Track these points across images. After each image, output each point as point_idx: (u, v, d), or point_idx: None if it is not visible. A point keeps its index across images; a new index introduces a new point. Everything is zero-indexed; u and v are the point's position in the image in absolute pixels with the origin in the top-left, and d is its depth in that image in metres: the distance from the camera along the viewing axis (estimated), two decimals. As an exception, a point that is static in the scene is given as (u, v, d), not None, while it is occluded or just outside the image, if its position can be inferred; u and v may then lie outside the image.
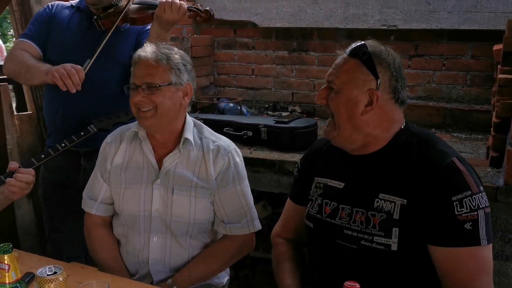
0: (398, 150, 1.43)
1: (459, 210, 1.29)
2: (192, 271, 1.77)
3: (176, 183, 1.75)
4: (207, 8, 2.15)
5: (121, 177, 1.80)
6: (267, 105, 3.90)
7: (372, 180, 1.43)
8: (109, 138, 1.89)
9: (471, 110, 3.24)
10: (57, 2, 2.35)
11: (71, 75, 1.95)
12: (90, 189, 1.89)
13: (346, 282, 1.07)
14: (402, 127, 1.47)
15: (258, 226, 1.82)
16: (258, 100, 4.00)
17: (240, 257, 1.86)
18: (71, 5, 2.31)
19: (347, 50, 1.45)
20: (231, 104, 3.62)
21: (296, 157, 2.63)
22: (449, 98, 3.42)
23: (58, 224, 2.34)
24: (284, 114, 3.60)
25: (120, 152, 1.82)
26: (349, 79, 1.41)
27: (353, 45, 1.45)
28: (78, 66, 1.99)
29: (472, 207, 1.29)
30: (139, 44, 2.07)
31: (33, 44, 2.20)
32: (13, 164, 1.76)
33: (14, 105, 3.01)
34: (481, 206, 1.30)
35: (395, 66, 1.42)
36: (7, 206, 1.85)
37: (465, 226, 1.29)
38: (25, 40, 2.21)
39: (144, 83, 1.66)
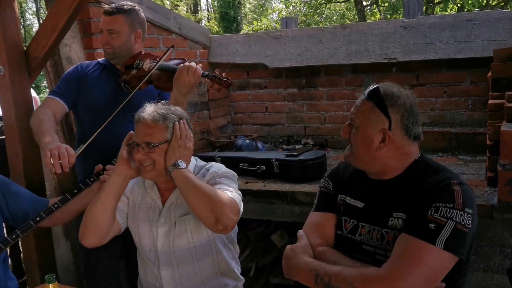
0: (412, 178, 1.61)
1: (432, 213, 1.45)
2: None
3: (177, 215, 1.94)
4: (226, 79, 2.35)
5: (135, 212, 2.02)
6: (281, 140, 4.14)
7: (388, 202, 1.61)
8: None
9: (475, 133, 3.39)
10: (86, 62, 2.64)
11: (62, 158, 2.06)
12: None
13: None
14: (417, 158, 1.65)
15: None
16: (273, 135, 4.24)
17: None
18: (98, 62, 2.59)
19: (365, 93, 1.65)
20: (247, 141, 3.87)
21: (307, 187, 2.84)
22: (453, 122, 3.58)
23: (93, 263, 2.55)
24: (297, 147, 3.83)
25: (135, 192, 2.05)
26: (364, 119, 1.61)
27: (369, 88, 1.65)
28: (71, 151, 2.11)
29: (445, 215, 1.43)
30: (161, 99, 2.33)
31: (60, 100, 2.43)
32: (99, 166, 2.15)
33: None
34: (454, 219, 1.43)
35: (406, 106, 1.60)
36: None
37: (429, 224, 1.44)
38: (53, 97, 2.45)
39: (144, 142, 1.84)
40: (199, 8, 27.84)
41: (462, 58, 3.38)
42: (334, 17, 14.97)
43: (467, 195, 1.49)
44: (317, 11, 13.06)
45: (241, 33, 13.77)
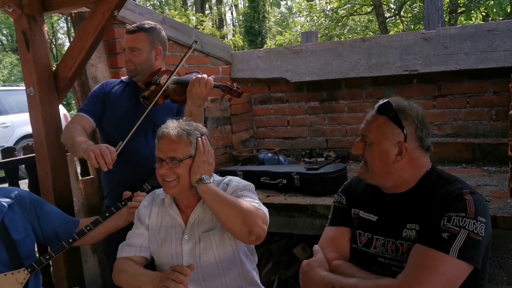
0: (425, 189, 1.63)
1: (445, 222, 1.47)
2: None
3: (200, 231, 1.93)
4: (237, 88, 2.35)
5: (156, 236, 1.99)
6: (303, 153, 4.17)
7: (401, 214, 1.63)
8: (145, 201, 2.08)
9: (499, 143, 3.34)
10: (110, 80, 2.74)
11: (105, 155, 2.15)
12: (130, 239, 2.04)
13: None
14: (429, 169, 1.67)
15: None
16: (295, 148, 4.27)
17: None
18: (122, 80, 2.68)
19: (375, 108, 1.67)
20: (270, 155, 3.91)
21: (327, 200, 2.85)
22: (476, 133, 3.54)
23: None
24: (319, 160, 3.85)
25: (153, 215, 2.03)
26: (380, 133, 1.63)
27: (380, 103, 1.67)
28: (112, 148, 2.20)
29: (458, 224, 1.45)
30: (179, 113, 2.40)
31: (88, 117, 2.53)
32: (127, 192, 2.23)
33: (79, 170, 3.44)
34: (467, 228, 1.44)
35: (419, 117, 1.63)
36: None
37: (442, 234, 1.45)
38: (82, 114, 2.55)
39: (168, 157, 1.85)
40: (224, 23, 28.23)
41: (484, 68, 3.36)
42: (358, 28, 14.94)
43: (479, 204, 1.49)
44: (339, 24, 13.05)
45: (264, 47, 13.90)
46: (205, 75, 2.31)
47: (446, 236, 1.44)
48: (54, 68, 2.83)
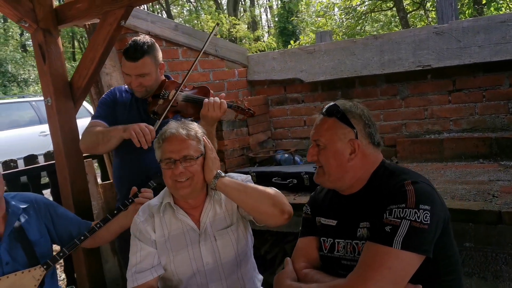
0: (374, 186, 1.65)
1: (387, 216, 1.48)
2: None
3: (215, 230, 1.95)
4: (248, 109, 2.48)
5: (166, 247, 1.93)
6: (320, 152, 4.16)
7: (355, 214, 1.65)
8: (141, 217, 1.97)
9: (517, 137, 3.26)
10: (116, 87, 2.77)
11: (145, 134, 2.25)
12: (139, 265, 1.92)
13: None
14: (379, 165, 1.70)
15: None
16: (312, 148, 4.28)
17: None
18: (126, 89, 2.71)
19: (323, 111, 1.72)
20: (286, 155, 3.95)
21: (336, 199, 2.86)
22: (494, 127, 3.46)
23: None
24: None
25: (157, 226, 1.94)
26: (331, 135, 1.67)
27: (326, 107, 1.72)
28: (151, 127, 2.29)
29: (398, 216, 1.46)
30: None
31: (103, 122, 2.55)
32: (134, 188, 2.30)
33: (99, 176, 3.59)
34: (408, 218, 1.44)
35: (365, 115, 1.69)
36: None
37: (385, 228, 1.46)
38: (96, 120, 2.58)
39: (182, 157, 1.83)
40: (259, 25, 28.39)
41: (498, 60, 3.28)
42: (377, 25, 14.71)
43: (421, 192, 1.49)
44: (359, 22, 12.87)
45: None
46: (217, 99, 2.38)
47: (389, 229, 1.45)
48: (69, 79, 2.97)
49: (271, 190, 1.89)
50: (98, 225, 2.29)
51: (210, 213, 1.98)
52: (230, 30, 21.64)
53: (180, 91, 2.51)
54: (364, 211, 1.61)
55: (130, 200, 2.31)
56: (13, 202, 2.24)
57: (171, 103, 2.46)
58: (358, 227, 1.61)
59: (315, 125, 1.74)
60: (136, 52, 2.45)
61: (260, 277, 2.20)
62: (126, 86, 2.71)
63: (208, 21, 21.99)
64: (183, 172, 1.84)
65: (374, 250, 1.46)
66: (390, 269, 1.41)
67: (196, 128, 1.96)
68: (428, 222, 1.45)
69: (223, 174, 1.89)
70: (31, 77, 19.18)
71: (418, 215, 1.45)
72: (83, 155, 3.02)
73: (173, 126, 1.92)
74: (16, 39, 21.37)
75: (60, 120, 2.89)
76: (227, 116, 2.53)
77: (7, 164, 3.27)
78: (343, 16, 13.41)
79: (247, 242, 2.05)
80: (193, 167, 1.86)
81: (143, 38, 2.54)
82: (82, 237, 2.27)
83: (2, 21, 21.82)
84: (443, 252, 1.52)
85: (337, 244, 1.70)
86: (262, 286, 2.17)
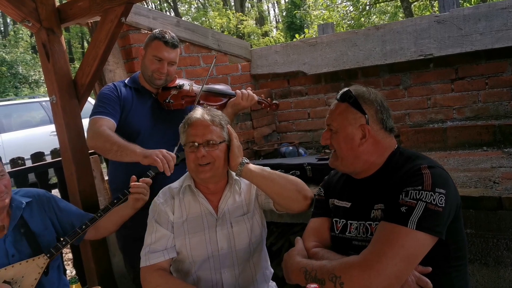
0: (390, 169, 1.68)
1: (403, 197, 1.51)
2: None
3: (232, 217, 2.02)
4: (273, 103, 2.80)
5: (184, 228, 2.00)
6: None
7: (370, 196, 1.68)
8: (161, 198, 2.06)
9: (521, 124, 3.24)
10: (116, 82, 2.78)
11: (168, 161, 2.24)
12: (152, 245, 1.98)
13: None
14: (394, 150, 1.73)
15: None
16: (316, 140, 4.30)
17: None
18: (125, 83, 2.74)
19: (337, 97, 1.77)
20: (290, 148, 3.96)
21: (338, 189, 2.87)
22: (497, 115, 3.45)
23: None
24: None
25: (176, 208, 2.02)
26: (342, 120, 1.72)
27: (341, 92, 1.76)
28: (172, 154, 2.29)
29: (414, 197, 1.49)
30: None
31: (110, 119, 2.53)
32: (133, 177, 2.28)
33: (105, 172, 3.64)
34: (424, 200, 1.47)
35: (378, 101, 1.71)
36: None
37: (401, 208, 1.49)
38: (103, 116, 2.52)
39: (205, 141, 1.91)
40: (267, 21, 28.38)
41: (500, 47, 3.26)
42: (387, 16, 14.60)
43: (437, 177, 1.52)
44: (363, 13, 12.80)
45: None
46: (249, 91, 2.63)
47: (405, 210, 1.48)
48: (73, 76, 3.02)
49: (293, 177, 1.97)
50: (99, 214, 2.33)
51: (229, 201, 2.05)
52: (238, 26, 21.67)
53: (196, 85, 2.76)
54: (379, 193, 1.64)
55: (129, 189, 2.33)
56: (16, 197, 2.32)
57: (197, 98, 2.63)
58: (372, 208, 1.65)
59: (329, 110, 1.79)
60: (174, 41, 2.63)
61: (271, 270, 2.25)
62: (126, 80, 2.77)
63: (215, 18, 22.04)
64: (205, 156, 1.90)
65: (389, 229, 1.49)
66: (404, 247, 1.44)
67: (220, 115, 2.02)
68: (443, 205, 1.48)
69: (248, 161, 1.96)
70: (42, 78, 19.38)
71: (434, 197, 1.48)
72: (89, 151, 3.07)
73: (198, 112, 1.99)
74: (26, 41, 21.61)
75: (65, 117, 2.94)
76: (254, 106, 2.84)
77: (14, 161, 3.33)
78: (347, 8, 13.33)
79: (261, 233, 2.11)
80: (215, 152, 1.93)
81: (169, 30, 2.72)
82: (83, 226, 2.32)
83: (12, 24, 22.06)
84: (454, 237, 1.55)
85: (349, 225, 1.73)
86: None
